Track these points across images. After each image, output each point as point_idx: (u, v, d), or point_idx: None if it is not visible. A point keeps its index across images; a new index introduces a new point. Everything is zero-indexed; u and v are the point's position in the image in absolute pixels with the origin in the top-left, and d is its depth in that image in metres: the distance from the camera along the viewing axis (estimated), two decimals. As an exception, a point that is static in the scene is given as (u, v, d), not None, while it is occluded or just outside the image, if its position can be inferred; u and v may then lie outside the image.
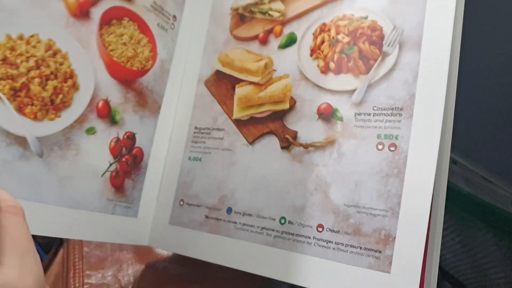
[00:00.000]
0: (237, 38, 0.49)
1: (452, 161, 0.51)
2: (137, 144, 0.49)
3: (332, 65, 0.41)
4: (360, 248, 0.35)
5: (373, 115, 0.37)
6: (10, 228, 0.26)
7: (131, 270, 0.52)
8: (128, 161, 0.48)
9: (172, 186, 0.49)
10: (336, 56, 0.41)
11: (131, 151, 0.48)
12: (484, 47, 0.44)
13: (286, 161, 0.41)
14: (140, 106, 0.49)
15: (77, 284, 0.50)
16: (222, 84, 0.49)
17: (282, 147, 0.42)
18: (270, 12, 0.47)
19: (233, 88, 0.47)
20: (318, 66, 0.42)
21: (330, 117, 0.40)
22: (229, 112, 0.47)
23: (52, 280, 0.53)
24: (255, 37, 0.47)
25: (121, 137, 0.48)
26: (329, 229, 0.37)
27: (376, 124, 0.37)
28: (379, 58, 0.38)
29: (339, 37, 0.41)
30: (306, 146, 0.40)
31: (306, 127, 0.41)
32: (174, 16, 0.52)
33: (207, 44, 0.50)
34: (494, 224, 0.52)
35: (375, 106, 0.37)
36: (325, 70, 0.41)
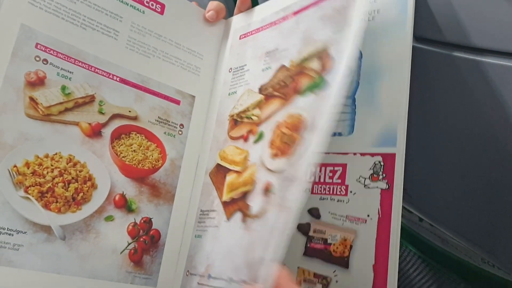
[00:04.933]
0: (231, 137, 0.61)
1: (429, 224, 0.55)
2: (154, 227, 0.60)
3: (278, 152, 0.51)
4: None
5: None
6: None
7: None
8: (146, 241, 0.59)
9: (183, 260, 0.61)
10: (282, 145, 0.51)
11: (148, 233, 0.59)
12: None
13: (242, 231, 0.51)
14: (154, 196, 0.61)
15: None
16: (219, 174, 0.61)
17: (243, 220, 0.52)
18: (252, 117, 0.59)
19: (225, 177, 0.59)
20: (271, 154, 0.52)
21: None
22: (220, 196, 0.59)
23: None
24: (242, 137, 0.60)
25: (138, 221, 0.59)
26: None
27: None
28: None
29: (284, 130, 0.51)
30: (253, 216, 0.49)
31: (256, 201, 0.51)
32: (181, 124, 0.64)
33: (212, 143, 0.64)
34: (467, 277, 0.56)
35: None
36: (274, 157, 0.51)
